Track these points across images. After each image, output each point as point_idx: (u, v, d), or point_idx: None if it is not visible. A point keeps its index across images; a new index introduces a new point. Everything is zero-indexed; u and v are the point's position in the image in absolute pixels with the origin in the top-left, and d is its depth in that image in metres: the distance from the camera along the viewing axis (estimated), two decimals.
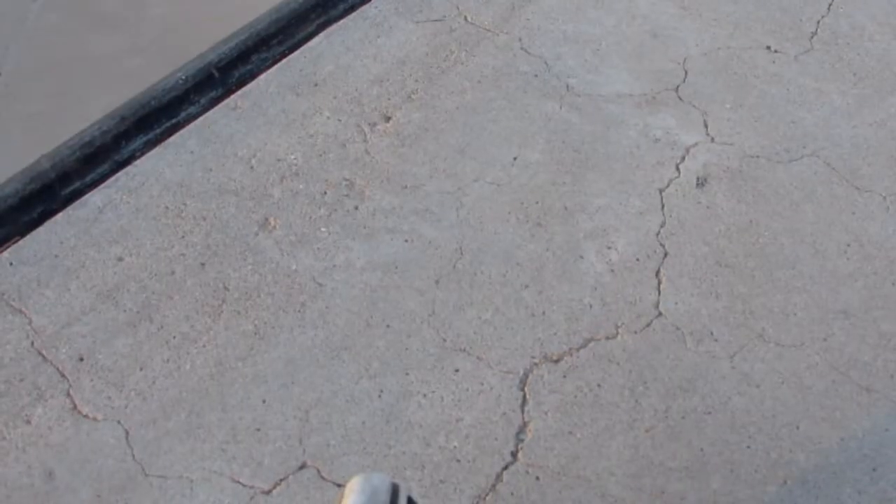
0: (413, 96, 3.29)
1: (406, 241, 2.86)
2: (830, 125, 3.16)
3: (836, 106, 3.23)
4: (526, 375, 2.53)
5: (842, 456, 2.37)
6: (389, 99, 3.29)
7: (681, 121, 3.18)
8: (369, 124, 3.21)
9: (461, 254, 2.82)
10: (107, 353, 2.60)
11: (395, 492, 1.59)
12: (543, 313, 2.67)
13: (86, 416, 2.47)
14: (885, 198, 2.94)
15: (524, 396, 2.49)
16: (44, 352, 2.61)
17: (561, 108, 3.24)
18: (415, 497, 1.82)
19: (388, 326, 2.65)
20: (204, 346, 2.62)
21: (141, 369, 2.57)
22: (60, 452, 2.40)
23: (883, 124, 3.16)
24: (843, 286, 2.72)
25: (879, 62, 3.38)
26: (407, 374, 2.54)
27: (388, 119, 3.22)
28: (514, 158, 3.08)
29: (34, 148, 3.02)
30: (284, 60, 3.46)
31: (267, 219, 2.93)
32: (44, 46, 3.42)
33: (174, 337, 2.64)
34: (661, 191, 2.97)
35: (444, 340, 2.61)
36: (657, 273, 2.76)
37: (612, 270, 2.77)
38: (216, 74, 3.34)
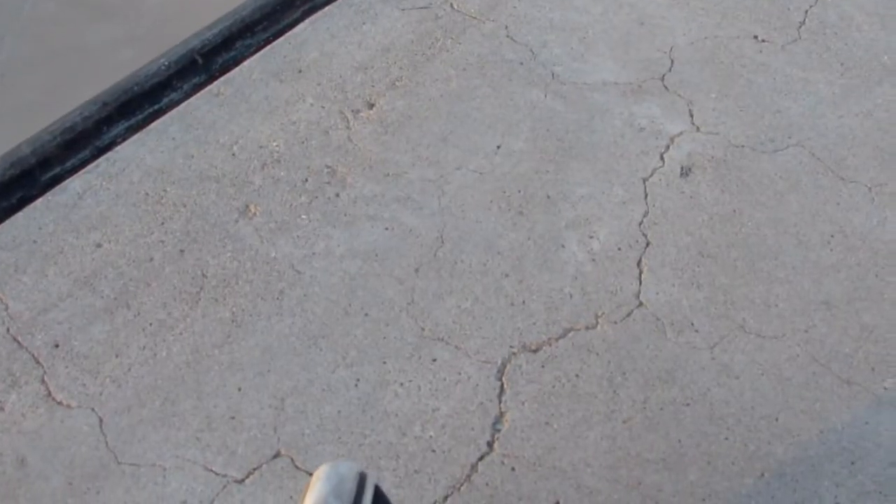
0: (397, 83, 3.27)
1: (387, 228, 2.84)
2: (816, 115, 3.14)
3: (823, 96, 3.20)
4: (504, 365, 2.52)
5: (820, 448, 2.35)
6: (373, 86, 3.26)
7: (666, 110, 3.16)
8: (352, 111, 3.18)
9: (442, 242, 2.80)
10: (83, 339, 2.58)
11: (361, 480, 1.57)
12: (523, 303, 2.65)
13: (60, 403, 2.46)
14: (870, 189, 2.92)
15: (502, 386, 2.47)
16: (19, 338, 2.59)
17: (546, 96, 3.21)
18: (383, 487, 1.81)
19: (366, 315, 2.63)
20: (181, 333, 2.60)
21: (117, 356, 2.55)
22: (33, 439, 2.38)
23: (869, 115, 3.14)
24: (825, 277, 2.70)
25: (867, 52, 3.35)
26: (384, 363, 2.52)
27: (371, 106, 3.19)
28: (498, 147, 3.06)
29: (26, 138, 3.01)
30: (268, 47, 3.43)
31: (247, 206, 2.91)
32: (39, 36, 3.39)
33: (151, 324, 2.62)
34: (644, 180, 2.95)
35: (423, 329, 2.59)
36: (639, 263, 2.74)
37: (594, 260, 2.75)
38: (199, 61, 3.31)
